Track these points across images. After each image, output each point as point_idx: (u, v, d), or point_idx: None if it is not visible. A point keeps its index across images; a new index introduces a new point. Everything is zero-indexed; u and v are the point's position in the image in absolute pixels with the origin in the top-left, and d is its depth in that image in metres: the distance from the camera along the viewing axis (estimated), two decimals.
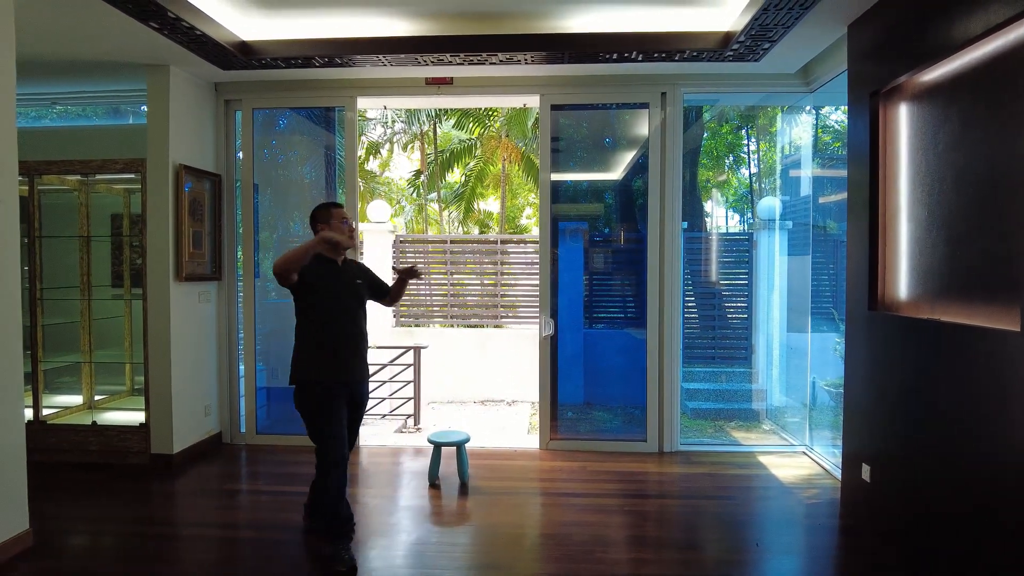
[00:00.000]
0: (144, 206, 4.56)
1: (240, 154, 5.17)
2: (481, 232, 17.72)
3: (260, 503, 4.10)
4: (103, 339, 5.46)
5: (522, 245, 10.43)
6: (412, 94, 5.00)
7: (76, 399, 5.32)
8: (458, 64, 4.46)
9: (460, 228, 17.25)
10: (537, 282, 9.73)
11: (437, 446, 4.37)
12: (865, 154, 3.59)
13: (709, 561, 3.28)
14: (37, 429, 4.71)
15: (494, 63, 4.42)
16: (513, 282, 9.95)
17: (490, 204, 18.65)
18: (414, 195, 16.89)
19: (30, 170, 4.62)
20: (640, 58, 4.32)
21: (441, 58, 4.32)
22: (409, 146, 16.04)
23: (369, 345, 3.38)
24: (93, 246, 5.22)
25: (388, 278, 3.55)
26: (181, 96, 4.64)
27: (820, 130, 6.46)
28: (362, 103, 5.11)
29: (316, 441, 3.10)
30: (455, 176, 16.59)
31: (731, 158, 12.02)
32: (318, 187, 5.71)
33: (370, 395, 3.49)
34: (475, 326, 10.08)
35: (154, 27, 3.77)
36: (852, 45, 3.76)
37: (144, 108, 5.93)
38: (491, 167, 14.95)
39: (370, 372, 3.42)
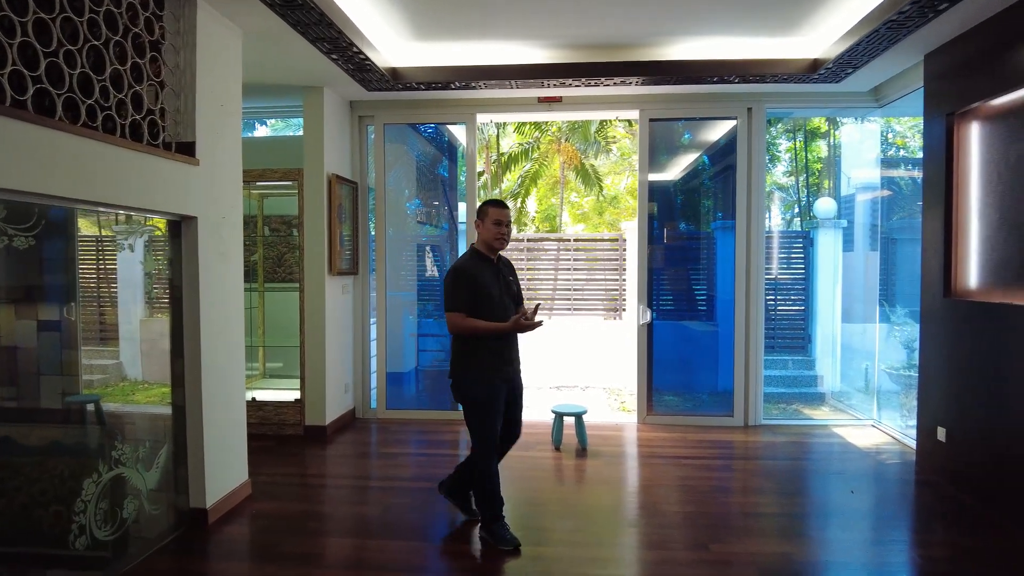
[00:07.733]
0: (301, 210, 5.26)
1: (372, 163, 5.88)
2: (519, 231, 18.50)
3: (420, 463, 4.83)
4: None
5: (589, 243, 11.16)
6: (525, 110, 5.71)
7: None
8: (575, 86, 5.14)
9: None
10: (597, 277, 10.51)
11: (559, 416, 5.05)
12: (941, 165, 4.23)
13: (814, 503, 3.98)
14: None
15: (607, 85, 5.10)
16: (573, 277, 10.64)
17: (528, 204, 19.45)
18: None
19: None
20: (737, 80, 4.98)
21: (563, 82, 5.01)
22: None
23: None
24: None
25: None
26: (330, 113, 5.34)
27: (877, 137, 7.06)
28: (480, 119, 5.80)
29: (479, 432, 3.35)
30: (511, 178, 17.36)
31: (768, 158, 12.61)
32: (437, 193, 6.42)
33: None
34: None
35: (334, 59, 4.47)
36: (929, 71, 4.39)
37: (269, 123, 6.68)
38: (544, 168, 15.65)
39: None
